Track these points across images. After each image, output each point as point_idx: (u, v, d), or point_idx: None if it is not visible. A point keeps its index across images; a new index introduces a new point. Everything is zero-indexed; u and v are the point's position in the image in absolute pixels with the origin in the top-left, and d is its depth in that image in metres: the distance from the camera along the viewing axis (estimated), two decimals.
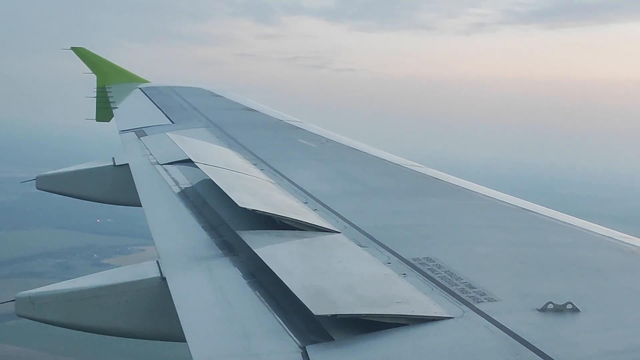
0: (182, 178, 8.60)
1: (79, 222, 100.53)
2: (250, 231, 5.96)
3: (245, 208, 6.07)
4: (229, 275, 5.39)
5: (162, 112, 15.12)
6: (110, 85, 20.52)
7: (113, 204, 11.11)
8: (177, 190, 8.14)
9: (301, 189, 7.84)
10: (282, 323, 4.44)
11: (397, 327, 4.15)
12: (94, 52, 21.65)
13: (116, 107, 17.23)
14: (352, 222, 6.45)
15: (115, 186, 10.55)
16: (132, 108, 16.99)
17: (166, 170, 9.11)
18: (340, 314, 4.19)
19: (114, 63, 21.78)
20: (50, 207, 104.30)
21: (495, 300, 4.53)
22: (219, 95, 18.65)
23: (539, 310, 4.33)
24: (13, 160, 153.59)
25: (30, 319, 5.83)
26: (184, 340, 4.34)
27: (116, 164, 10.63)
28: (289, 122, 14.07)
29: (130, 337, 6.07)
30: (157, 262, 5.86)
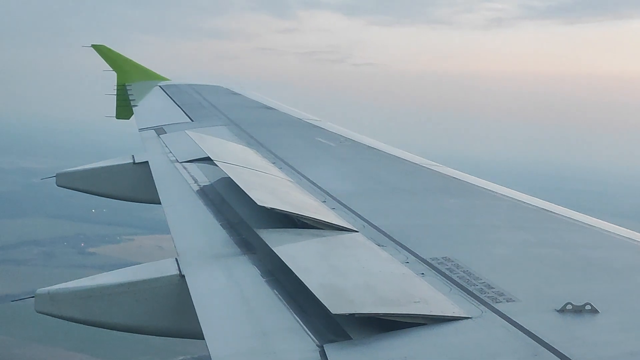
0: (201, 176, 8.63)
1: (74, 212, 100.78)
2: (269, 230, 5.97)
3: (264, 206, 6.08)
4: (247, 273, 5.40)
5: (182, 110, 15.17)
6: (130, 82, 20.58)
7: (132, 201, 11.16)
8: (196, 188, 8.17)
9: (320, 187, 7.84)
10: (300, 321, 4.45)
11: (416, 326, 4.15)
12: (114, 46, 21.66)
13: (136, 105, 17.29)
14: (371, 222, 6.45)
15: (134, 184, 10.59)
16: (151, 106, 17.06)
17: (185, 168, 9.14)
18: (358, 313, 4.19)
19: (134, 61, 21.84)
20: (47, 198, 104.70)
21: (513, 301, 4.51)
22: (238, 94, 18.68)
23: (557, 310, 4.31)
24: (22, 152, 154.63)
25: (49, 315, 5.87)
26: (202, 338, 4.36)
27: (136, 162, 10.67)
28: (307, 120, 14.07)
29: (149, 334, 6.10)
30: (176, 259, 5.88)
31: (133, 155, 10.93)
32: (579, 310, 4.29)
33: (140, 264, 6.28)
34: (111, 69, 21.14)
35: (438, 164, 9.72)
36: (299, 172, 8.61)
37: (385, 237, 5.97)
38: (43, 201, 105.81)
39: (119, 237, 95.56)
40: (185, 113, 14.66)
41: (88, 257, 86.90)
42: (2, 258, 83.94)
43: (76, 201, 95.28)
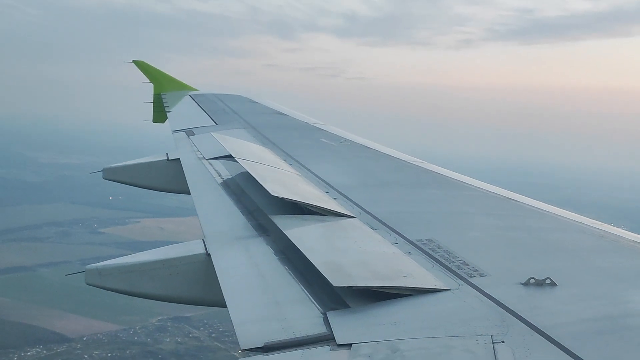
0: (224, 171, 8.62)
1: (93, 199, 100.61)
2: (281, 216, 5.97)
3: (277, 196, 6.07)
4: (263, 252, 5.40)
5: (208, 115, 15.15)
6: (165, 92, 20.54)
7: (166, 191, 11.16)
8: (220, 181, 8.17)
9: (323, 180, 7.83)
10: (306, 292, 4.45)
11: (403, 297, 4.15)
12: (150, 62, 21.57)
13: (170, 111, 17.28)
14: (366, 209, 6.44)
15: (168, 177, 10.59)
16: (183, 112, 17.02)
17: (211, 164, 9.14)
18: (355, 286, 4.20)
19: (168, 74, 21.78)
20: (73, 188, 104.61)
21: (485, 276, 4.51)
22: (255, 102, 18.64)
23: (522, 284, 4.31)
24: (62, 150, 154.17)
25: (97, 287, 5.87)
26: (225, 306, 4.36)
27: (169, 159, 10.68)
28: (313, 124, 14.03)
29: (180, 303, 6.10)
30: (203, 240, 5.88)
31: (167, 153, 10.93)
32: (540, 283, 4.29)
33: (171, 243, 6.29)
34: (149, 81, 21.09)
35: (422, 161, 9.70)
36: (306, 168, 8.60)
37: (378, 222, 5.97)
38: (68, 190, 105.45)
39: (127, 219, 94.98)
40: (211, 118, 14.63)
41: (98, 236, 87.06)
42: (26, 236, 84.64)
43: (96, 190, 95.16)
